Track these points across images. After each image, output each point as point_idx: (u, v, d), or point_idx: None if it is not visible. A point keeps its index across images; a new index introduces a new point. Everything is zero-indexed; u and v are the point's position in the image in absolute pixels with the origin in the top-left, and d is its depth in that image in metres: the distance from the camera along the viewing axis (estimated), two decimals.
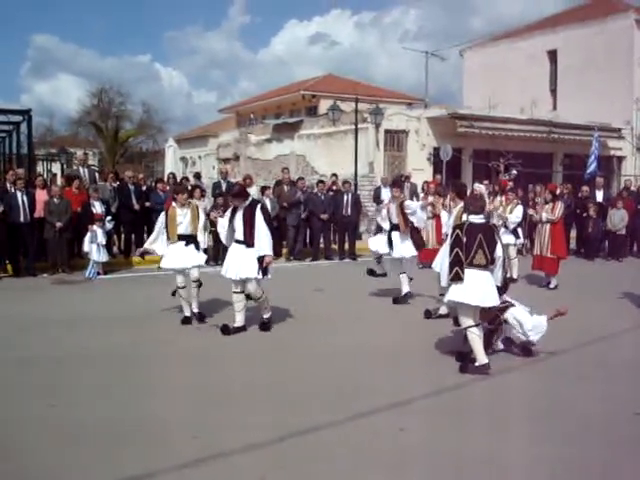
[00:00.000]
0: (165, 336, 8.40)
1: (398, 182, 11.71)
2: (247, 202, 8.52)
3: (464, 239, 6.78)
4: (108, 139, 45.50)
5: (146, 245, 9.78)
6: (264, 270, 8.37)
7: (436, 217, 13.25)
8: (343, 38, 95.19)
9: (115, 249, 15.37)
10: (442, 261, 7.11)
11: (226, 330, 8.46)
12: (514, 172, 19.08)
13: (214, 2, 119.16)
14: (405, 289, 10.53)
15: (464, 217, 7.68)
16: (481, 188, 13.79)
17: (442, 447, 4.96)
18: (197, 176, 19.17)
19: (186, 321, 9.08)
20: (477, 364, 6.77)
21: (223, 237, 8.82)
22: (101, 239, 13.17)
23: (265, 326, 8.74)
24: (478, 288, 6.72)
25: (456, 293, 6.76)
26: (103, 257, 13.28)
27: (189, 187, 15.76)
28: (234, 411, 5.72)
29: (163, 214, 9.33)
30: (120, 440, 5.06)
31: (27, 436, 5.14)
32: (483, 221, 7.01)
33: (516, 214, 12.42)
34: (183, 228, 9.08)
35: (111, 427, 5.31)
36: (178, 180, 17.25)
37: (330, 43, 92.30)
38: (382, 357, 7.46)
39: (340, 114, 23.65)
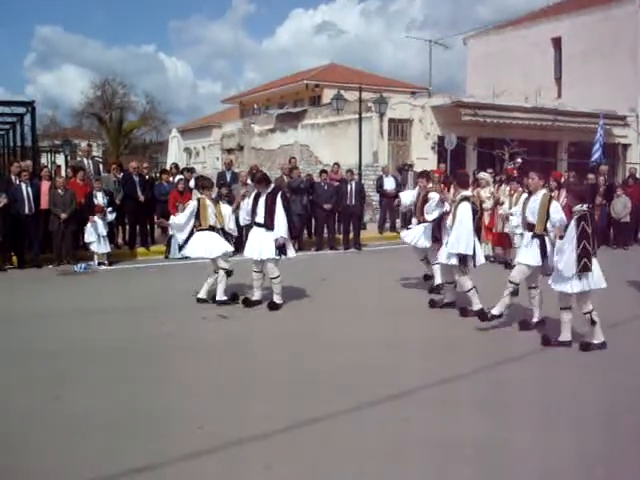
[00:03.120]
0: (169, 327, 8.40)
1: (425, 173, 11.55)
2: (269, 189, 9.24)
3: (590, 230, 6.90)
4: (112, 131, 45.46)
5: (171, 221, 9.99)
6: (282, 251, 9.13)
7: None
8: (349, 27, 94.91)
9: (120, 240, 15.38)
10: (560, 254, 7.02)
11: (247, 302, 9.38)
12: (519, 160, 19.01)
13: None
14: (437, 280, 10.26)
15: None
16: (486, 177, 13.81)
17: (445, 437, 4.96)
18: (190, 170, 18.77)
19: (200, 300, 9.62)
20: (596, 341, 7.12)
21: (243, 221, 9.73)
22: (102, 230, 13.16)
23: (274, 305, 9.27)
24: (599, 272, 7.05)
25: (586, 281, 6.95)
26: (104, 248, 13.28)
27: (197, 177, 15.81)
28: (238, 402, 5.73)
29: (194, 203, 9.63)
30: (125, 432, 5.07)
31: (32, 428, 5.15)
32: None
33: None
34: (212, 220, 9.56)
35: (116, 419, 5.33)
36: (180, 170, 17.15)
37: (336, 32, 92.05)
38: (386, 347, 7.46)
39: (344, 103, 23.53)
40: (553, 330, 7.57)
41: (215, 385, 6.18)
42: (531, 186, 8.13)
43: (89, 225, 13.06)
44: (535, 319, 8.22)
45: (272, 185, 9.45)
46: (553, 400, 5.77)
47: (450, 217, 8.92)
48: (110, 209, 13.63)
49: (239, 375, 6.50)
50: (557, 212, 7.70)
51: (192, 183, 15.75)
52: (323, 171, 17.05)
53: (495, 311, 7.87)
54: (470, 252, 8.60)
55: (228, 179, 16.27)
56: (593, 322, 7.11)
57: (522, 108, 24.73)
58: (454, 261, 8.70)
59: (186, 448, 4.72)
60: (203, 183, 10.08)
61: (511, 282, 7.93)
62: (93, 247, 13.09)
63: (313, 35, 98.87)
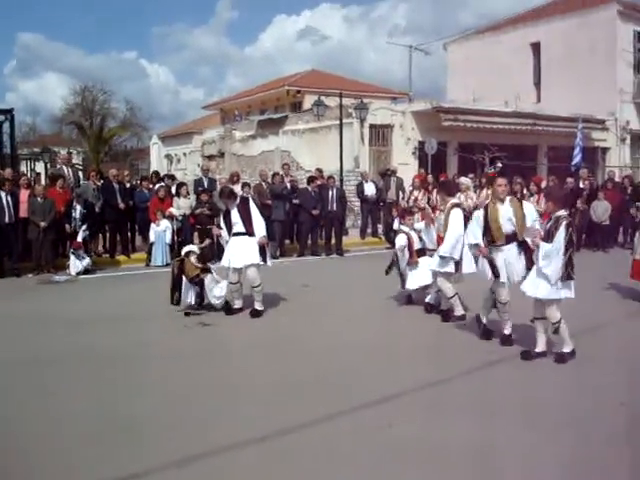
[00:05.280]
0: (152, 335, 8.35)
1: (409, 210, 11.11)
2: (238, 200, 9.53)
3: (575, 237, 6.99)
4: (92, 138, 45.10)
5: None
6: (264, 256, 9.29)
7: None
8: (332, 32, 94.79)
9: (100, 248, 15.27)
10: (548, 260, 6.80)
11: (229, 311, 9.47)
12: (499, 165, 19.18)
13: None
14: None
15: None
16: (467, 182, 13.90)
17: (432, 441, 4.96)
18: (171, 177, 18.61)
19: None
20: (567, 350, 6.98)
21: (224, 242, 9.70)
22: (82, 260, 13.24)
23: (256, 312, 9.34)
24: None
25: (569, 290, 6.92)
26: (85, 262, 13.22)
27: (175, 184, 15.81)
28: (222, 409, 5.70)
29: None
30: (108, 440, 5.03)
31: (13, 436, 5.09)
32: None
33: None
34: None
35: (98, 427, 5.28)
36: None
37: (319, 37, 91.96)
38: (370, 352, 7.45)
39: (325, 109, 23.55)
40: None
41: (199, 392, 6.14)
42: (499, 192, 7.56)
43: (72, 257, 13.05)
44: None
45: (238, 196, 9.84)
46: (540, 403, 5.77)
47: (441, 225, 8.93)
48: (84, 227, 13.50)
49: (223, 382, 6.45)
50: (532, 212, 7.50)
51: (173, 190, 15.72)
52: (313, 177, 16.98)
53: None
54: (458, 257, 8.55)
55: (205, 185, 16.22)
56: (556, 331, 6.96)
57: (502, 113, 24.89)
58: (450, 268, 8.66)
59: (170, 455, 4.69)
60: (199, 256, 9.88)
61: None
62: (71, 269, 13.04)
63: (296, 41, 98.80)
